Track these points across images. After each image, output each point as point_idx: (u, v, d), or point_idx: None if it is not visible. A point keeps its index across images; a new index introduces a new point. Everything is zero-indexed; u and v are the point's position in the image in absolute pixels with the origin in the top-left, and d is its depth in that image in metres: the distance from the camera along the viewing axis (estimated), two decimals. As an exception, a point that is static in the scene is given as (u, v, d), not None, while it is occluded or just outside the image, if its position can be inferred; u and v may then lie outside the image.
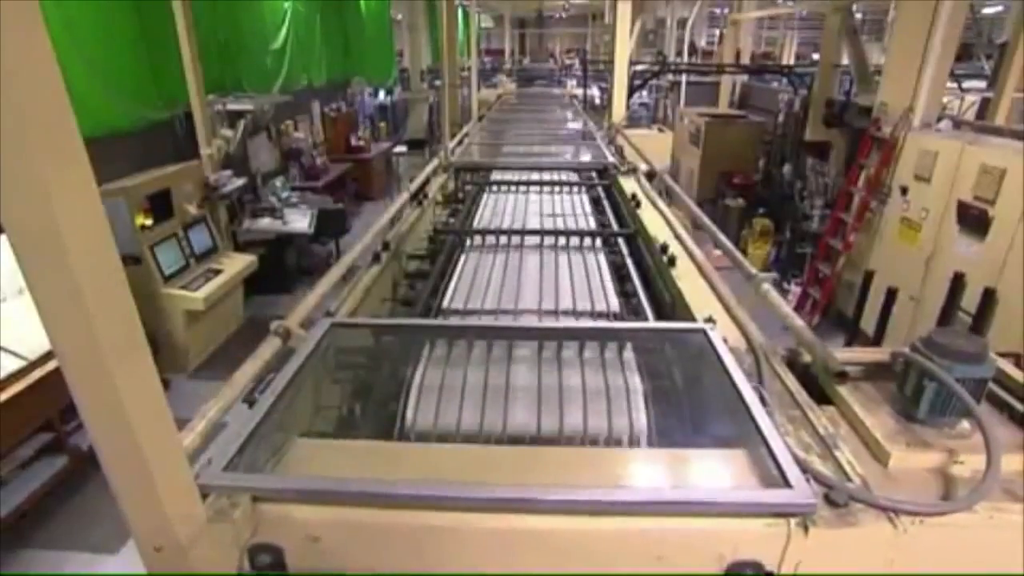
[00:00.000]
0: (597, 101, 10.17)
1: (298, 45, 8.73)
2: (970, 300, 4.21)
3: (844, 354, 1.45)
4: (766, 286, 1.68)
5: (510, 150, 4.34)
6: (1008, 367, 1.37)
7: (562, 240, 2.36)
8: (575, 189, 3.25)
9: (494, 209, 2.89)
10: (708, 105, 11.22)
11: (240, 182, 6.25)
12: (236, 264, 5.71)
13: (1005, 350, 3.81)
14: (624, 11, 5.28)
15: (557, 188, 3.25)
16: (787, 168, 7.67)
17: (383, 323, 1.62)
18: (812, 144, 7.13)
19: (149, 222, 4.84)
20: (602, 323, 1.57)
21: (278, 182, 7.49)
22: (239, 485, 0.95)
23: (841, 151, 6.81)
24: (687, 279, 1.91)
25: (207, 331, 5.47)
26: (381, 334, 1.53)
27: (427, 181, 3.22)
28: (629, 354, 1.47)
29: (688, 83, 11.32)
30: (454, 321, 1.59)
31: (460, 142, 4.55)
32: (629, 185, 3.24)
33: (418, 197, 2.86)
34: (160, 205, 5.00)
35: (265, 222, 6.75)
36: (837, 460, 1.09)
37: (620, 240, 2.42)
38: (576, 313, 1.78)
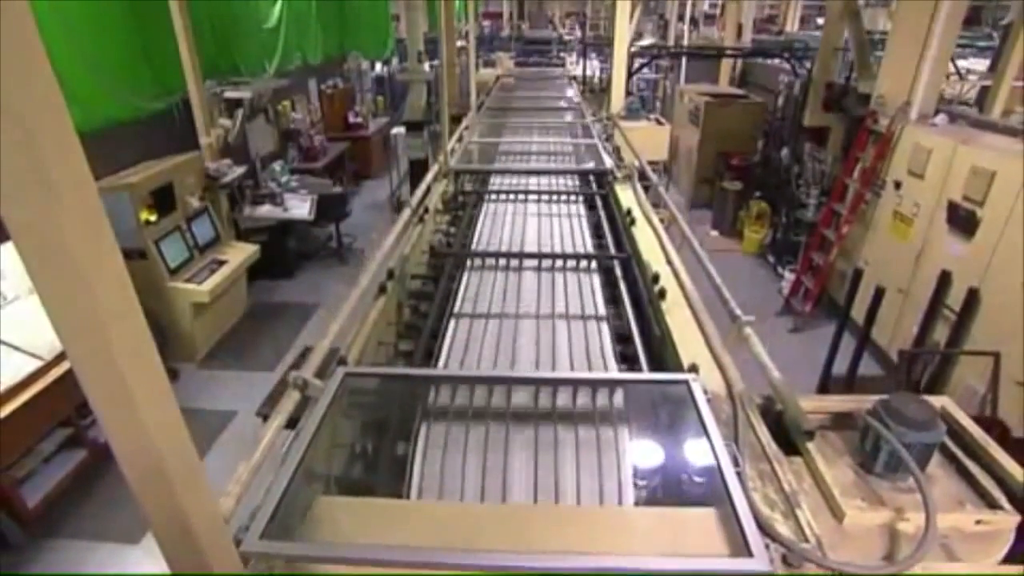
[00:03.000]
0: (596, 79, 10.04)
1: (293, 22, 8.57)
2: (955, 298, 4.34)
3: (814, 402, 1.59)
4: (748, 330, 1.79)
5: (507, 148, 4.39)
6: (966, 422, 1.50)
7: (559, 261, 2.48)
8: (572, 198, 3.34)
9: (493, 222, 2.99)
10: (709, 81, 11.09)
11: (240, 171, 6.28)
12: (239, 254, 5.81)
13: (985, 350, 3.96)
14: (623, 7, 5.25)
15: (555, 197, 3.34)
16: (785, 152, 7.68)
17: (392, 372, 1.75)
18: (810, 128, 7.12)
19: (153, 217, 4.91)
20: (594, 373, 1.70)
21: (277, 166, 7.51)
22: (277, 553, 1.09)
23: (839, 136, 6.82)
24: (676, 314, 2.02)
25: (213, 320, 5.61)
26: (390, 383, 1.67)
27: (428, 191, 3.29)
28: (619, 399, 1.60)
29: (689, 58, 11.17)
30: (457, 371, 1.71)
31: (459, 138, 4.58)
32: (626, 195, 3.33)
33: (419, 212, 2.94)
34: (163, 199, 5.07)
35: (265, 209, 6.82)
36: (797, 519, 1.23)
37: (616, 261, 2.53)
38: (571, 348, 1.92)
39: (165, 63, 5.66)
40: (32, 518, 3.59)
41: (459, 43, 9.28)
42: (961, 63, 9.99)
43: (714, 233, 8.72)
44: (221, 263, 5.53)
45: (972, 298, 4.14)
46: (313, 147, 8.89)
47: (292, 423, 1.53)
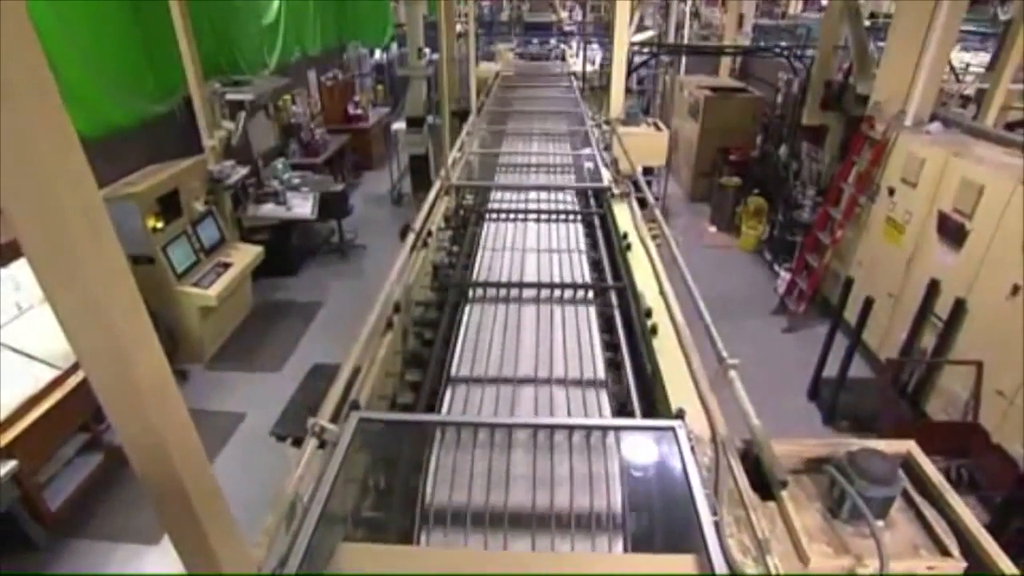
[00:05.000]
0: (597, 65, 10.02)
1: (291, 16, 8.55)
2: (943, 307, 4.47)
3: (790, 447, 1.73)
4: (732, 373, 1.92)
5: (507, 160, 4.47)
6: (929, 468, 1.64)
7: (557, 291, 2.61)
8: (571, 218, 3.45)
9: (493, 246, 3.10)
10: (709, 72, 11.07)
11: (243, 171, 6.35)
12: (244, 256, 5.92)
13: (969, 359, 4.10)
14: (623, 7, 5.28)
15: (555, 216, 3.45)
16: (783, 150, 7.73)
17: (403, 419, 1.88)
18: (808, 127, 7.16)
19: (160, 224, 5.01)
20: (587, 420, 1.83)
21: (279, 164, 7.55)
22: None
23: (836, 135, 6.87)
24: (667, 352, 2.15)
25: (220, 322, 5.75)
26: (401, 428, 1.80)
27: (431, 211, 3.39)
28: (611, 442, 1.74)
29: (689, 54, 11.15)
30: (461, 418, 1.84)
31: (460, 146, 4.65)
32: (623, 214, 3.43)
33: (423, 236, 3.05)
34: (169, 205, 5.16)
35: (268, 208, 6.89)
36: (767, 565, 1.38)
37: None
38: (567, 382, 2.06)
39: (167, 65, 5.69)
40: (55, 520, 3.77)
41: (458, 27, 9.20)
42: (964, 56, 9.99)
43: (712, 229, 8.81)
44: (227, 266, 5.64)
45: (959, 308, 4.27)
46: (314, 141, 8.92)
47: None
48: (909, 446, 1.73)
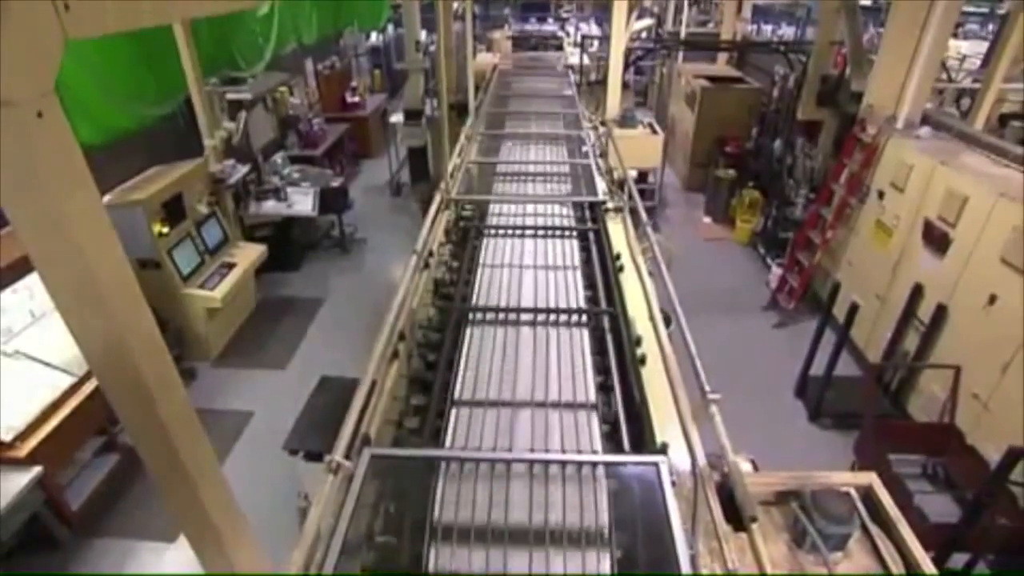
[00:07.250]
0: (595, 49, 10.00)
1: (287, 6, 8.47)
2: (926, 311, 4.63)
3: (763, 478, 1.90)
4: (713, 408, 2.08)
5: (505, 168, 4.57)
6: (887, 502, 1.82)
7: (552, 316, 2.76)
8: (568, 234, 3.57)
9: (491, 267, 3.23)
10: (707, 60, 11.04)
11: (244, 169, 6.43)
12: (248, 255, 6.03)
13: (949, 363, 4.27)
14: (620, 7, 5.31)
15: (551, 232, 3.57)
16: (778, 144, 7.80)
17: (411, 454, 2.04)
18: (803, 122, 7.23)
19: (165, 229, 5.11)
20: (578, 455, 2.00)
21: (278, 159, 7.62)
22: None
23: (831, 132, 6.95)
24: (654, 381, 2.31)
25: (225, 320, 5.89)
26: (410, 463, 1.97)
27: (432, 227, 3.50)
28: (600, 475, 1.91)
29: (687, 37, 11.08)
30: (463, 452, 2.01)
31: (460, 152, 4.75)
32: (617, 233, 3.56)
33: (424, 255, 3.17)
34: (174, 210, 5.26)
35: (270, 205, 6.98)
36: (734, 594, 1.56)
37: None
38: (561, 405, 2.23)
39: (167, 66, 5.71)
40: (76, 519, 3.97)
41: (455, 4, 9.11)
42: (961, 46, 9.97)
43: (707, 220, 8.92)
44: (231, 266, 5.76)
45: (940, 313, 4.43)
46: (313, 132, 8.95)
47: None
48: (871, 478, 1.90)
